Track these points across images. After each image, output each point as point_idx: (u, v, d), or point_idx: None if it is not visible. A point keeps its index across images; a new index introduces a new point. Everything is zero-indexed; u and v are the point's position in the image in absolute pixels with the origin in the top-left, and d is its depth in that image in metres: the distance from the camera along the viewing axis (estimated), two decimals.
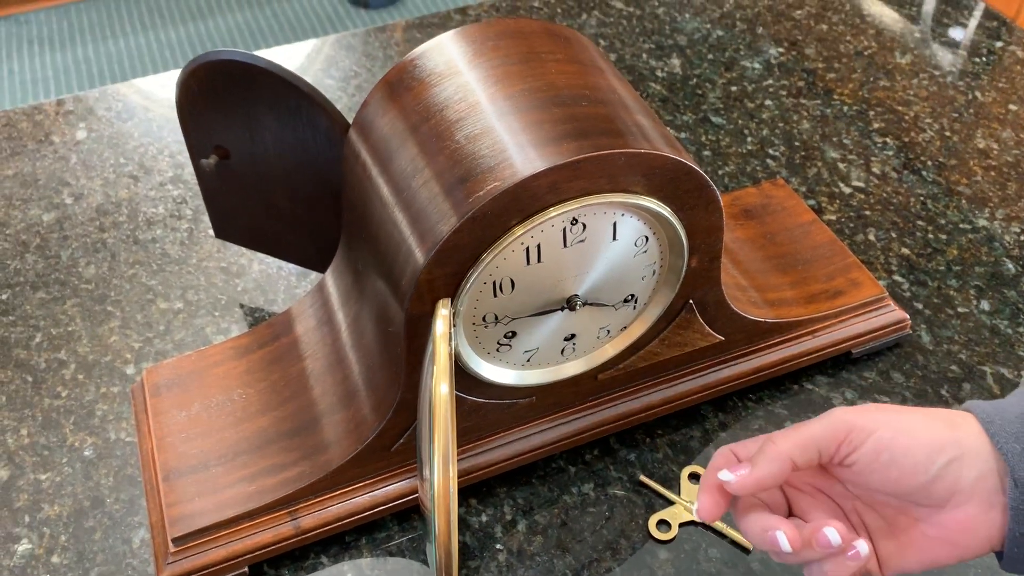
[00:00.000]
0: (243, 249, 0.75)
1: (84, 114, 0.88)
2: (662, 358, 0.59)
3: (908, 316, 0.67)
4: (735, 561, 0.56)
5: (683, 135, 0.86)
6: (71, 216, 0.78)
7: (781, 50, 0.96)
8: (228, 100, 0.57)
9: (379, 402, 0.54)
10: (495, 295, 0.50)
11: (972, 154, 0.84)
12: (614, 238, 0.50)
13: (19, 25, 2.42)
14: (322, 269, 0.66)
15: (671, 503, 0.59)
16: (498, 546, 0.57)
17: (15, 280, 0.73)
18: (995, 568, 0.55)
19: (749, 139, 0.85)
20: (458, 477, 0.57)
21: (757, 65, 0.94)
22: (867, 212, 0.78)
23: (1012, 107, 0.89)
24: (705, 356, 0.61)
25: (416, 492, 0.57)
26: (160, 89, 0.92)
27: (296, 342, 0.60)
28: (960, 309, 0.71)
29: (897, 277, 0.73)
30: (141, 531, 0.58)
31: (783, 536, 0.41)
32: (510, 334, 0.53)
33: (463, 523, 0.58)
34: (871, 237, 0.76)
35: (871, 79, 0.92)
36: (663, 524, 0.58)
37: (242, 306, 0.71)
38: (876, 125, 0.87)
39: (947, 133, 0.86)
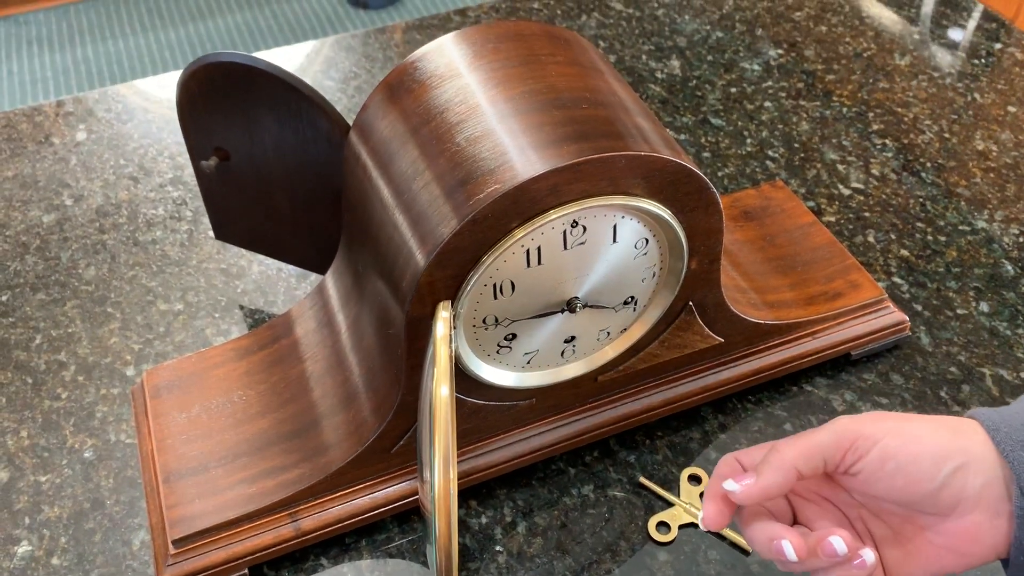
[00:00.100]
0: (243, 250, 0.75)
1: (84, 115, 0.88)
2: (662, 360, 0.59)
3: (907, 318, 0.67)
4: (734, 563, 0.56)
5: (683, 137, 0.86)
6: (71, 217, 0.78)
7: (780, 52, 0.96)
8: (228, 102, 0.57)
9: (379, 404, 0.54)
10: (495, 297, 0.50)
11: (971, 156, 0.84)
12: (614, 240, 0.51)
13: (18, 26, 2.42)
14: (322, 271, 0.66)
15: (671, 505, 0.59)
16: (498, 548, 0.57)
17: (15, 282, 0.73)
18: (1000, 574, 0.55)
19: (748, 141, 0.85)
20: (458, 479, 0.57)
21: (756, 67, 0.94)
22: (866, 214, 0.78)
23: (1011, 109, 0.89)
24: (705, 358, 0.61)
25: (416, 494, 0.57)
26: (160, 90, 0.92)
27: (296, 344, 0.60)
28: (959, 311, 0.71)
29: (896, 279, 0.73)
30: (141, 533, 0.58)
31: (789, 545, 0.41)
32: (510, 336, 0.53)
33: (463, 525, 0.58)
34: (870, 239, 0.76)
35: (870, 81, 0.92)
36: (662, 526, 0.58)
37: (242, 308, 0.71)
38: (875, 127, 0.87)
39: (946, 135, 0.86)
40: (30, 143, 0.85)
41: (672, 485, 0.60)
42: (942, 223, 0.78)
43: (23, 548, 0.57)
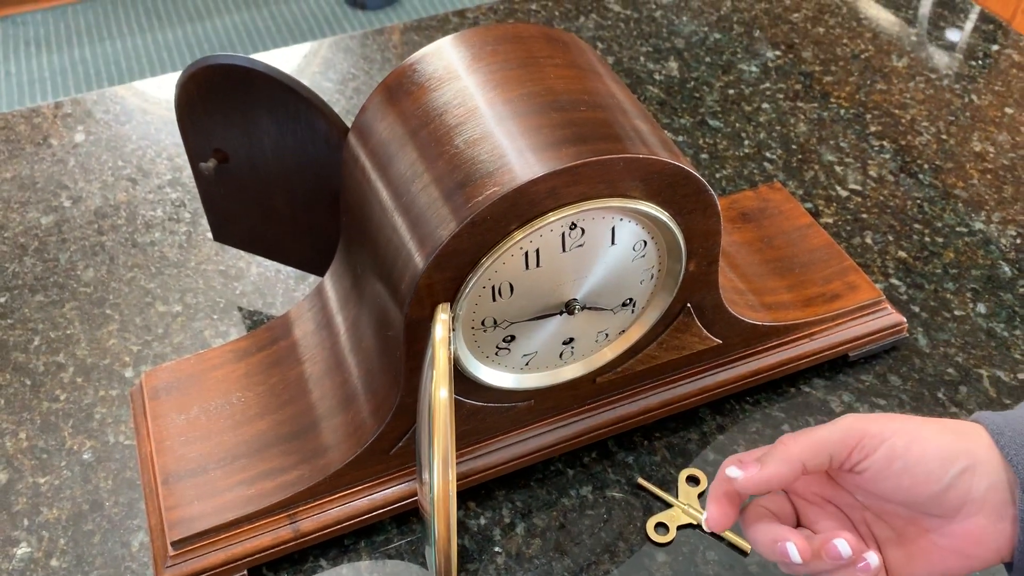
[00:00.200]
0: (241, 252, 0.75)
1: (82, 117, 0.88)
2: (660, 361, 0.59)
3: (905, 319, 0.67)
4: (733, 564, 0.56)
5: (680, 138, 0.86)
6: (69, 219, 0.78)
7: (778, 53, 0.96)
8: (227, 104, 0.57)
9: (378, 406, 0.54)
10: (494, 299, 0.50)
11: (968, 157, 0.84)
12: (612, 243, 0.51)
13: (16, 26, 2.42)
14: (321, 272, 0.66)
15: (669, 506, 0.59)
16: (496, 549, 0.57)
17: (13, 283, 0.73)
18: None
19: (746, 142, 0.86)
20: (457, 480, 0.57)
21: (754, 68, 0.94)
22: (864, 215, 0.78)
23: (1008, 110, 0.89)
24: (703, 359, 0.61)
25: (415, 495, 0.57)
26: (158, 92, 0.92)
27: (295, 345, 0.60)
28: (957, 312, 0.71)
29: (894, 280, 0.73)
30: (140, 534, 0.58)
31: (793, 547, 0.41)
32: (509, 338, 0.53)
33: (462, 526, 0.58)
34: (868, 240, 0.76)
35: (868, 82, 0.92)
36: (661, 527, 0.58)
37: (240, 309, 0.71)
38: (873, 128, 0.87)
39: (943, 136, 0.86)
40: (28, 144, 0.85)
41: (670, 486, 0.60)
42: (939, 224, 0.78)
43: (22, 550, 0.57)
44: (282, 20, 2.46)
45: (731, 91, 0.91)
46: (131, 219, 0.78)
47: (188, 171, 0.82)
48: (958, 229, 0.78)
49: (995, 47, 0.97)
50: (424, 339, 0.49)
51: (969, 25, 1.00)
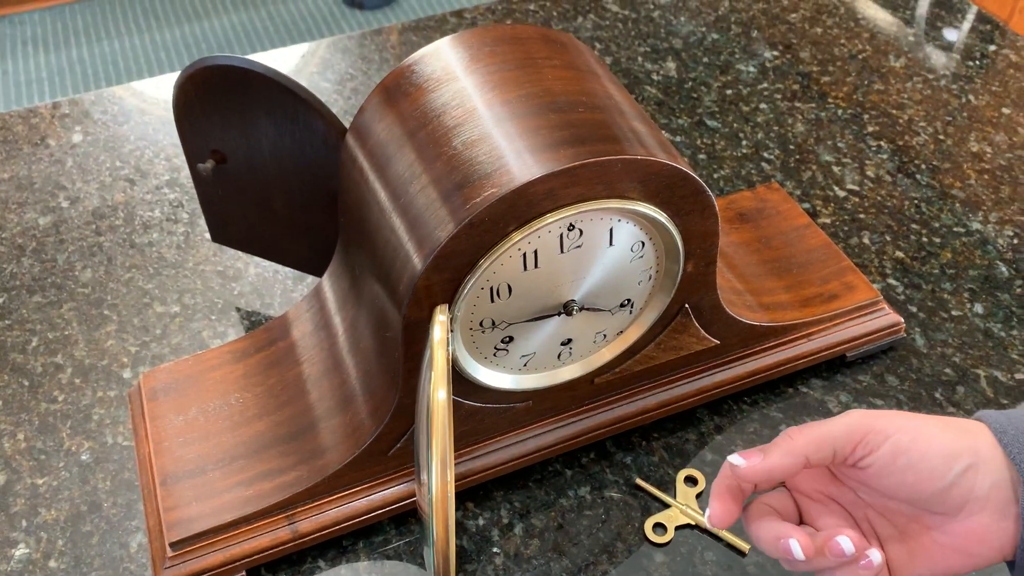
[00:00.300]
0: (239, 253, 0.75)
1: (80, 117, 0.88)
2: (658, 362, 0.59)
3: (902, 319, 0.67)
4: (731, 564, 0.56)
5: (678, 139, 0.86)
6: (67, 220, 0.78)
7: (776, 53, 0.96)
8: (225, 105, 0.57)
9: (376, 407, 0.54)
10: (492, 300, 0.50)
11: (965, 157, 0.84)
12: (610, 243, 0.51)
13: (14, 26, 2.42)
14: (319, 273, 0.66)
15: (667, 506, 0.59)
16: (495, 549, 0.57)
17: (11, 284, 0.73)
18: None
19: (744, 142, 0.86)
20: (455, 481, 0.57)
21: (752, 68, 0.94)
22: (861, 215, 0.78)
23: (1005, 110, 0.90)
24: (701, 360, 0.62)
25: (413, 496, 0.57)
26: (156, 92, 0.92)
27: (293, 346, 0.60)
28: (954, 312, 0.71)
29: (891, 280, 0.73)
30: (138, 535, 0.58)
31: (796, 544, 0.41)
32: (507, 339, 0.53)
33: (460, 526, 0.58)
34: (865, 240, 0.76)
35: (865, 82, 0.93)
36: (659, 527, 0.58)
37: (239, 310, 0.71)
38: (870, 128, 0.87)
39: (941, 136, 0.87)
40: (26, 145, 0.85)
41: (668, 486, 0.60)
42: (937, 225, 0.78)
43: (20, 551, 0.57)
44: (280, 20, 2.46)
45: (729, 91, 0.91)
46: (129, 220, 0.78)
47: (186, 171, 0.82)
48: (955, 229, 0.78)
49: (992, 47, 0.98)
50: (422, 340, 0.49)
51: (966, 25, 1.00)
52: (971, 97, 0.91)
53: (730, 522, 0.43)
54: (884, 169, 0.83)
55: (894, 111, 0.89)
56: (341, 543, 0.57)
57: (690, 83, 0.92)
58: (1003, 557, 0.41)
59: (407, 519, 0.59)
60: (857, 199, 0.80)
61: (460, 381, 0.53)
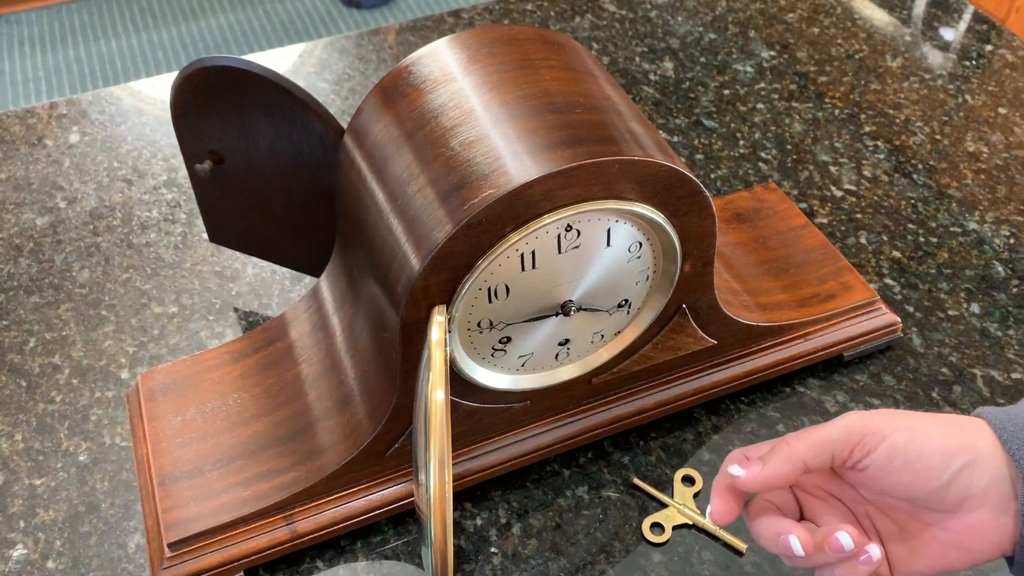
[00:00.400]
0: (237, 253, 0.75)
1: (77, 117, 0.88)
2: (655, 362, 0.59)
3: (899, 319, 0.67)
4: (728, 564, 0.57)
5: (676, 139, 0.86)
6: (64, 220, 0.78)
7: (773, 53, 0.96)
8: (223, 105, 0.57)
9: (374, 407, 0.54)
10: (490, 301, 0.50)
11: (962, 157, 0.85)
12: (608, 244, 0.51)
13: (10, 25, 2.42)
14: (316, 273, 0.66)
15: (664, 506, 0.59)
16: (493, 549, 0.57)
17: (8, 284, 0.73)
18: (1005, 573, 0.56)
19: (741, 142, 0.86)
20: (453, 481, 0.57)
21: (749, 68, 0.94)
22: (858, 215, 0.79)
23: (1001, 110, 0.90)
24: (698, 360, 0.62)
25: (411, 496, 0.57)
26: (153, 92, 0.92)
27: (291, 347, 0.60)
28: (951, 312, 0.71)
29: (888, 280, 0.73)
30: (136, 536, 0.58)
31: (796, 540, 0.41)
32: (505, 339, 0.53)
33: (458, 526, 0.58)
34: (862, 240, 0.77)
35: (862, 82, 0.93)
36: (656, 527, 0.58)
37: (236, 310, 0.71)
38: (867, 128, 0.87)
39: (937, 136, 0.87)
40: (23, 145, 0.85)
41: (666, 486, 0.60)
42: (933, 224, 0.78)
43: (18, 552, 0.57)
44: (277, 20, 2.46)
45: (726, 91, 0.91)
46: (126, 220, 0.78)
47: (184, 172, 0.82)
48: (952, 229, 0.78)
49: (989, 47, 0.98)
50: (420, 341, 0.49)
51: (963, 25, 1.01)
52: (968, 97, 0.91)
53: (731, 519, 0.44)
54: (881, 169, 0.83)
55: (891, 111, 0.89)
56: (339, 543, 0.58)
57: (687, 83, 0.92)
58: (1002, 553, 0.42)
59: (405, 519, 0.59)
60: (854, 199, 0.80)
61: (458, 381, 0.54)
